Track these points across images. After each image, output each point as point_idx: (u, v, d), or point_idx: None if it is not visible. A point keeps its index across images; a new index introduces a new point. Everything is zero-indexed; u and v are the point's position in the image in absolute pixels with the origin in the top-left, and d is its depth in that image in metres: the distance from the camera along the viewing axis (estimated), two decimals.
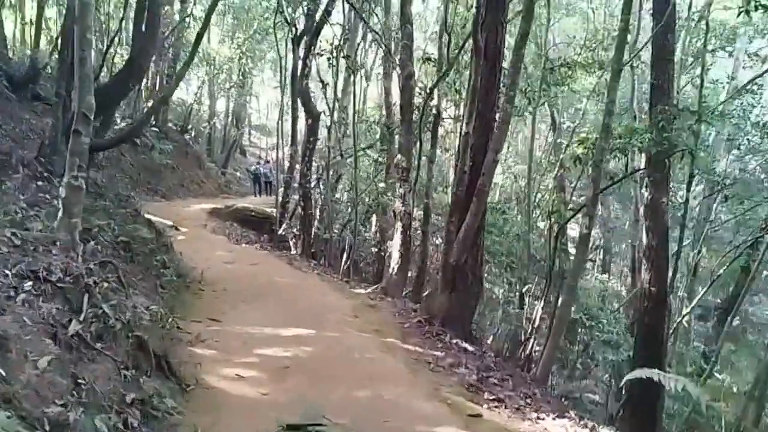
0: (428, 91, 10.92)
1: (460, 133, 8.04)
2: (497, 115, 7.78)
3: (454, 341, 7.19)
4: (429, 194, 12.56)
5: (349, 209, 16.34)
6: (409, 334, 7.25)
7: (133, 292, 6.76)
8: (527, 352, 10.06)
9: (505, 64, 8.20)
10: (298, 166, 18.37)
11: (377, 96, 30.33)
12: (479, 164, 7.59)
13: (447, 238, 7.61)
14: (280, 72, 19.24)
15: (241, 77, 31.35)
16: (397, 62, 13.54)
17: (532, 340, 10.24)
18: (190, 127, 32.07)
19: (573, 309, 14.70)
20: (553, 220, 10.61)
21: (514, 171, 24.77)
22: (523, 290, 11.74)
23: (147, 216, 10.94)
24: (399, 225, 10.10)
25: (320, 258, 15.26)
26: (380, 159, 17.27)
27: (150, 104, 9.94)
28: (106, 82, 9.19)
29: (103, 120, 8.93)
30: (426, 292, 10.47)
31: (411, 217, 10.24)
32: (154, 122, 24.06)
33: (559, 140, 22.07)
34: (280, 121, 19.55)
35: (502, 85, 7.85)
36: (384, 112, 18.62)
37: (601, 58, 16.40)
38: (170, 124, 27.99)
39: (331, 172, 15.26)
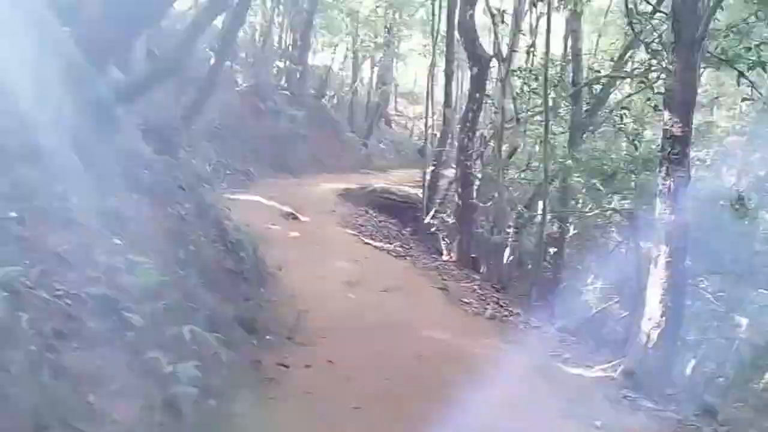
0: None
1: None
2: None
3: None
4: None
5: (531, 196, 11.37)
6: None
7: None
8: None
9: None
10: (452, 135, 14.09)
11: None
12: None
13: None
14: (432, 12, 14.74)
15: (386, 34, 27.40)
16: None
17: None
18: (331, 93, 28.95)
19: None
20: None
21: None
22: None
23: (230, 211, 7.15)
24: (663, 249, 5.11)
25: (482, 266, 10.72)
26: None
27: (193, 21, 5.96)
28: None
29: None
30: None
31: (686, 236, 5.20)
32: (285, 85, 21.14)
33: None
34: (429, 78, 15.24)
35: None
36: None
37: None
38: (311, 90, 24.99)
39: (502, 145, 10.48)
